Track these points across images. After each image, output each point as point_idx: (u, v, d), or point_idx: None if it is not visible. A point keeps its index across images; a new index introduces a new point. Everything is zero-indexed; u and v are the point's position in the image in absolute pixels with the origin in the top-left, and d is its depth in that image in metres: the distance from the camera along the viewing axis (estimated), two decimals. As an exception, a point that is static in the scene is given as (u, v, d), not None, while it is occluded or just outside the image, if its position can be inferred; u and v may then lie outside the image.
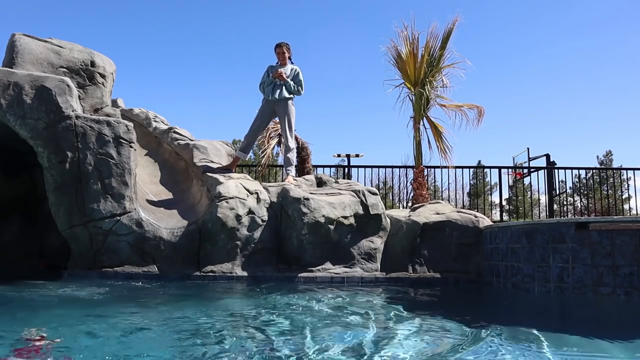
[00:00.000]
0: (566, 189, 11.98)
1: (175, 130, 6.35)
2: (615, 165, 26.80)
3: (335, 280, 4.69)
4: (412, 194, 8.48)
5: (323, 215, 4.74)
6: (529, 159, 12.17)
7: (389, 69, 9.36)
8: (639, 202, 13.66)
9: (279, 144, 8.02)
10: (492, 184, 20.45)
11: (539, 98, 54.37)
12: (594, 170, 13.90)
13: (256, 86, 5.94)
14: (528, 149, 12.36)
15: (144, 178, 5.66)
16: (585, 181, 14.45)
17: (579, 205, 16.14)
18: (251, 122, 5.88)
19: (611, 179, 13.01)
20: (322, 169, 8.94)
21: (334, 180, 5.99)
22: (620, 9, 51.15)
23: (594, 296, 3.70)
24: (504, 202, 12.37)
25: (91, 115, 5.03)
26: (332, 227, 4.78)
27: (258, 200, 4.87)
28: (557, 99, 54.06)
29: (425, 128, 8.03)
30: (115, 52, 46.67)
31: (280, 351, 2.08)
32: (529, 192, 16.05)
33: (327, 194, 5.11)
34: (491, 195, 22.76)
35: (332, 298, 3.75)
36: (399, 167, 10.13)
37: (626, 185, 13.88)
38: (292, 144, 5.88)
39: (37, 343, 2.10)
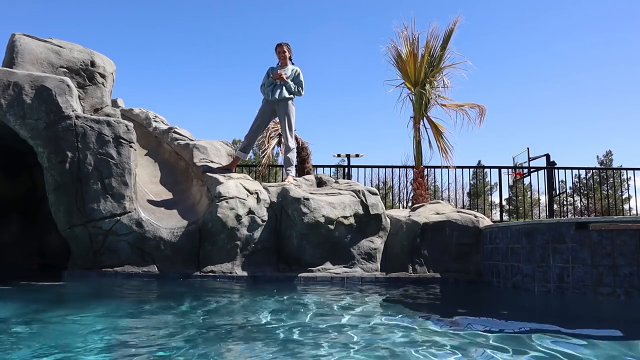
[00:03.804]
0: (566, 189, 11.99)
1: (175, 130, 6.35)
2: (615, 165, 26.84)
3: (335, 280, 4.69)
4: (412, 194, 8.48)
5: (323, 215, 4.74)
6: (529, 159, 12.18)
7: (389, 69, 9.39)
8: (639, 202, 13.67)
9: (279, 144, 8.02)
10: (492, 184, 20.46)
11: (539, 98, 54.44)
12: (594, 170, 13.90)
13: (257, 86, 5.96)
14: (528, 149, 12.39)
15: (144, 178, 5.66)
16: (585, 181, 14.45)
17: (579, 205, 16.14)
18: (251, 122, 5.88)
19: (611, 179, 13.01)
20: (322, 169, 8.95)
21: (334, 180, 5.99)
22: (620, 9, 51.18)
23: (594, 296, 3.70)
24: (504, 202, 12.36)
25: (91, 115, 5.03)
26: (332, 227, 4.78)
27: (258, 200, 4.87)
28: (557, 99, 54.15)
29: (426, 128, 8.04)
30: (115, 52, 46.81)
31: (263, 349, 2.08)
32: (529, 192, 16.04)
33: (327, 194, 5.11)
34: (491, 195, 22.78)
35: (329, 298, 3.75)
36: (399, 167, 10.13)
37: (626, 185, 13.88)
38: (292, 144, 5.88)
39: None
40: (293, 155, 5.93)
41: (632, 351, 2.15)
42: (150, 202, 5.21)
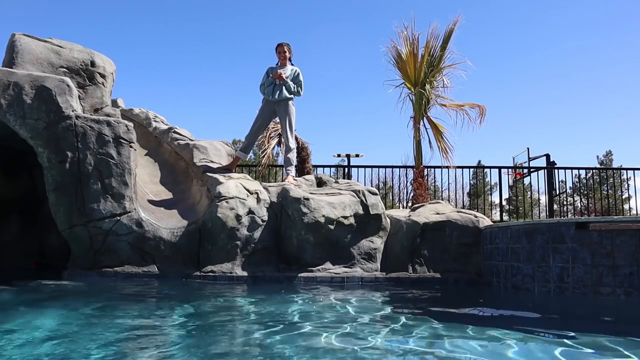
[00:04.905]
0: (566, 189, 11.98)
1: (175, 130, 6.35)
2: (615, 165, 26.86)
3: (335, 280, 4.69)
4: (412, 194, 8.48)
5: (323, 215, 4.74)
6: (529, 159, 12.17)
7: (389, 69, 9.40)
8: (639, 202, 13.68)
9: (279, 144, 8.02)
10: (492, 184, 20.47)
11: (539, 98, 54.50)
12: (594, 170, 13.90)
13: (256, 86, 5.96)
14: (528, 149, 12.38)
15: (144, 178, 5.66)
16: (585, 181, 14.45)
17: (579, 205, 16.14)
18: (251, 122, 5.89)
19: (611, 179, 13.01)
20: (322, 169, 8.94)
21: (334, 180, 5.99)
22: (620, 9, 51.22)
23: (594, 296, 3.70)
24: (504, 202, 12.36)
25: (91, 115, 5.03)
26: (332, 227, 4.78)
27: (258, 200, 4.87)
28: (557, 99, 54.21)
29: (426, 128, 8.04)
30: (115, 52, 46.78)
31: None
32: (529, 192, 16.05)
33: (327, 194, 5.11)
34: (491, 195, 22.80)
35: (327, 298, 3.75)
36: (399, 167, 10.13)
37: (626, 185, 13.89)
38: (292, 144, 5.88)
39: None
40: (293, 155, 5.93)
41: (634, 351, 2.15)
42: (150, 202, 5.21)
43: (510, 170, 12.21)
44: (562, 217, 9.92)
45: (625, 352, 2.09)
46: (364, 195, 5.05)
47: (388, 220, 5.11)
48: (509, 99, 53.40)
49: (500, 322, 3.08)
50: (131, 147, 4.81)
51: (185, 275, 4.60)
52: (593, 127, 52.10)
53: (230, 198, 4.73)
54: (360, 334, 2.44)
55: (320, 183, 5.81)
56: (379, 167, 9.35)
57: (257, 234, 4.76)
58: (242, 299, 3.78)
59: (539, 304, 3.88)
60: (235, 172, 5.65)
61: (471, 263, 4.95)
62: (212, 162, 5.64)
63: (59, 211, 4.64)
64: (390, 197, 16.25)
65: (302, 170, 7.72)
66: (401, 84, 8.23)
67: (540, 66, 56.40)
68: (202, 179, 5.35)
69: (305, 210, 4.73)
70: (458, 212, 5.30)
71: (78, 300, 3.54)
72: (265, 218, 4.82)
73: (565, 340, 2.32)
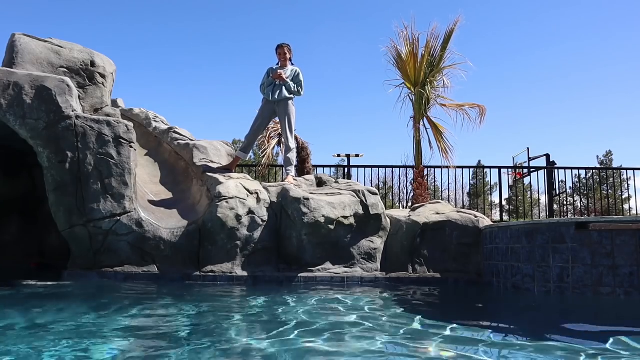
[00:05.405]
0: (566, 189, 11.98)
1: (175, 130, 6.35)
2: (615, 165, 26.88)
3: (335, 280, 4.69)
4: (412, 194, 8.48)
5: (323, 215, 4.74)
6: (529, 159, 12.16)
7: (389, 69, 9.40)
8: (639, 202, 13.68)
9: (279, 144, 8.02)
10: (492, 184, 20.47)
11: (539, 98, 54.51)
12: (594, 170, 13.90)
13: (257, 86, 5.96)
14: (528, 149, 12.37)
15: (144, 178, 5.66)
16: (585, 181, 14.45)
17: (579, 205, 16.14)
18: (251, 122, 5.89)
19: (611, 179, 13.02)
20: (322, 169, 8.94)
21: (334, 180, 5.99)
22: (620, 9, 51.24)
23: (594, 296, 3.70)
24: (504, 202, 12.36)
25: (91, 115, 5.03)
26: (332, 227, 4.78)
27: (258, 200, 4.87)
28: (557, 99, 54.24)
29: (426, 128, 8.04)
30: (115, 52, 46.80)
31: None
32: (529, 192, 16.05)
33: (327, 194, 5.11)
34: (491, 195, 22.82)
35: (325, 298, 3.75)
36: (399, 167, 10.13)
37: (626, 185, 13.90)
38: (292, 144, 5.87)
39: None
40: (293, 155, 5.93)
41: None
42: (150, 202, 5.21)
43: (510, 170, 12.21)
44: (562, 217, 9.92)
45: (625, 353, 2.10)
46: (364, 195, 5.05)
47: (388, 220, 5.11)
48: (509, 99, 53.50)
49: (499, 320, 3.08)
50: (131, 147, 4.81)
51: (185, 275, 4.60)
52: (593, 127, 52.20)
53: (230, 198, 4.73)
54: (358, 334, 2.44)
55: (320, 183, 5.81)
56: (379, 167, 9.36)
57: (257, 234, 4.76)
58: (241, 298, 3.78)
59: (540, 304, 3.88)
60: (235, 172, 5.65)
61: (471, 263, 4.95)
62: (212, 162, 5.64)
63: (59, 211, 4.64)
64: (390, 197, 16.25)
65: (302, 170, 7.72)
66: (401, 84, 8.23)
67: (540, 66, 56.48)
68: (202, 179, 5.35)
69: (305, 210, 4.73)
70: (458, 212, 5.30)
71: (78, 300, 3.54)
72: (265, 218, 4.82)
73: (566, 343, 2.32)
